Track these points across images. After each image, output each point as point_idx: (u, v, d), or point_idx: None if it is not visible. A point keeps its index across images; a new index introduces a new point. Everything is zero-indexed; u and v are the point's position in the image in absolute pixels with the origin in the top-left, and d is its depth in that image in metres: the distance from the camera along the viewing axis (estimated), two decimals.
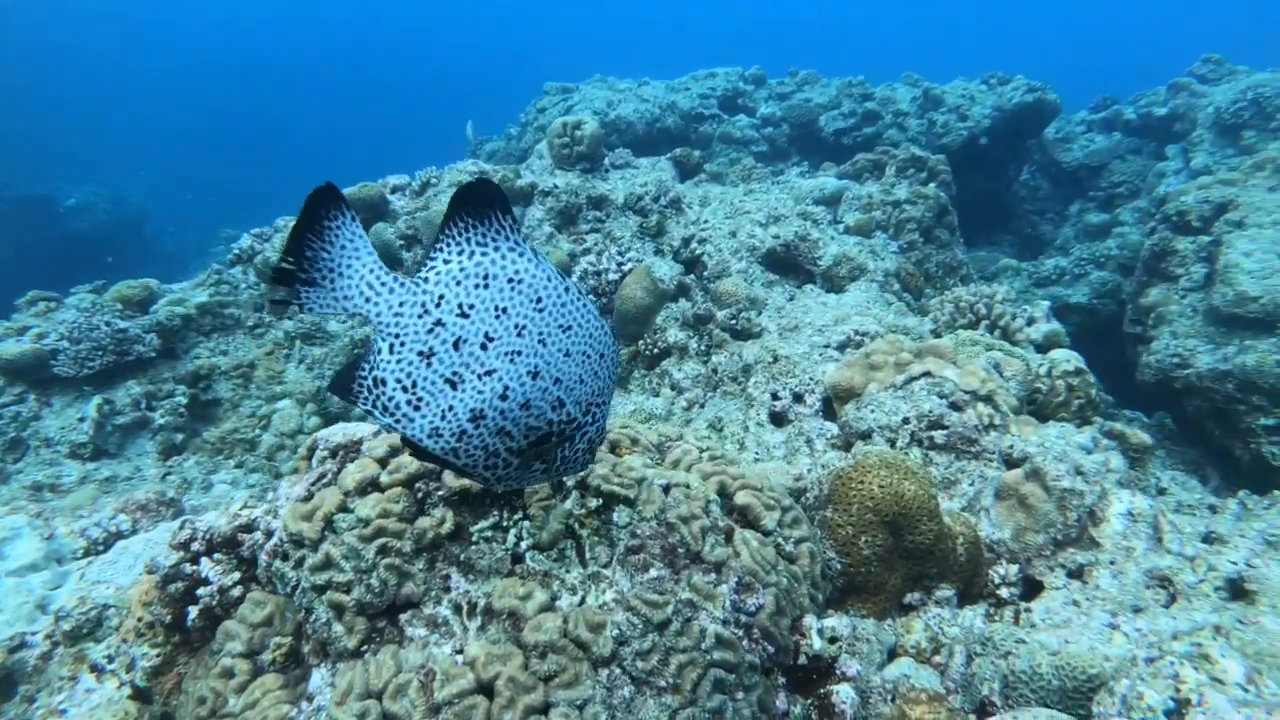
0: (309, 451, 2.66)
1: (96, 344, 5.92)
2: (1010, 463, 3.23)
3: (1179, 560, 2.68)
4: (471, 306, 1.51)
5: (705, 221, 6.92)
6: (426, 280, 1.51)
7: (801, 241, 6.43)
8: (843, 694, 2.24)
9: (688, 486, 2.26)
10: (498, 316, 1.52)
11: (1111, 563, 2.68)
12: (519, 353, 1.54)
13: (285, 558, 2.24)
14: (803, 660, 2.30)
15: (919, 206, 7.40)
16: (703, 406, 4.84)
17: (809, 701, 2.27)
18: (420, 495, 2.21)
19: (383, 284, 1.50)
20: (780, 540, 2.40)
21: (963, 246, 8.23)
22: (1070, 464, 2.80)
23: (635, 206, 7.17)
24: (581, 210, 7.08)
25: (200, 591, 2.41)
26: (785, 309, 5.85)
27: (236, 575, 2.44)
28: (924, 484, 2.67)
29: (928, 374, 3.67)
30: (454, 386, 1.52)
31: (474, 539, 2.14)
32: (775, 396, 4.26)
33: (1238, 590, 2.78)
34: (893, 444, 3.44)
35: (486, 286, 1.51)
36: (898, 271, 6.58)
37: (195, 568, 2.46)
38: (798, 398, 4.19)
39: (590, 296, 1.69)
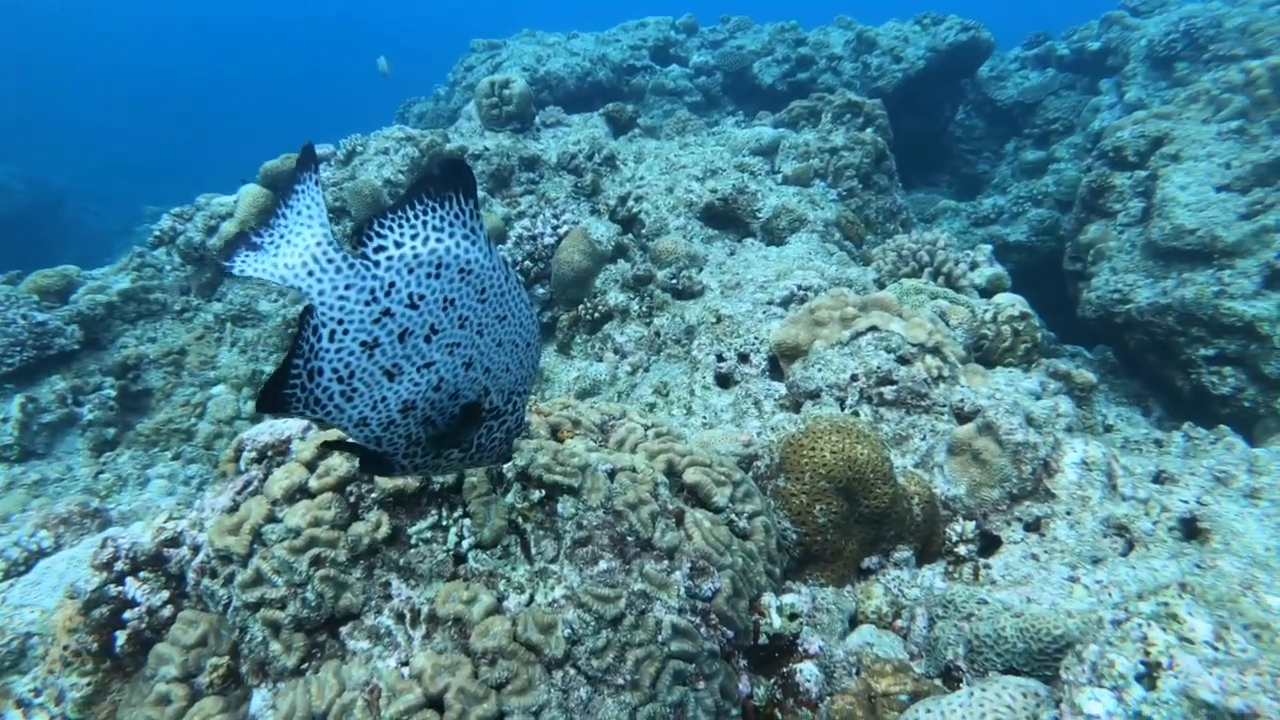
0: (235, 453, 2.45)
1: (14, 339, 5.54)
2: (961, 417, 3.16)
3: (1134, 506, 2.64)
4: (421, 298, 1.40)
5: (641, 178, 6.71)
6: (378, 264, 1.36)
7: (740, 194, 6.26)
8: (806, 672, 2.15)
9: (634, 470, 2.11)
10: (444, 308, 1.43)
11: (1068, 513, 2.62)
12: (458, 344, 1.46)
13: (214, 575, 2.05)
14: (763, 640, 2.19)
15: (856, 153, 7.28)
16: (647, 370, 4.69)
17: (772, 682, 2.17)
18: (353, 499, 2.03)
19: (329, 260, 1.34)
20: (733, 517, 2.27)
21: (901, 191, 8.16)
22: (1022, 416, 2.73)
23: (569, 166, 6.92)
24: (514, 172, 6.80)
25: (127, 614, 2.21)
26: (726, 264, 5.71)
27: (165, 594, 2.24)
28: (876, 446, 2.57)
29: (874, 328, 3.57)
30: (391, 378, 1.41)
31: (413, 541, 1.98)
32: (720, 358, 4.13)
33: (1191, 529, 2.75)
34: (842, 403, 3.34)
35: (438, 276, 1.40)
36: (838, 220, 6.47)
37: (120, 589, 2.26)
38: (743, 358, 4.07)
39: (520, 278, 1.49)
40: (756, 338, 4.12)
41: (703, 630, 2.00)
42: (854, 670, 2.22)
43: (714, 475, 2.30)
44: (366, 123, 11.64)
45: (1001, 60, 11.69)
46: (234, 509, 2.12)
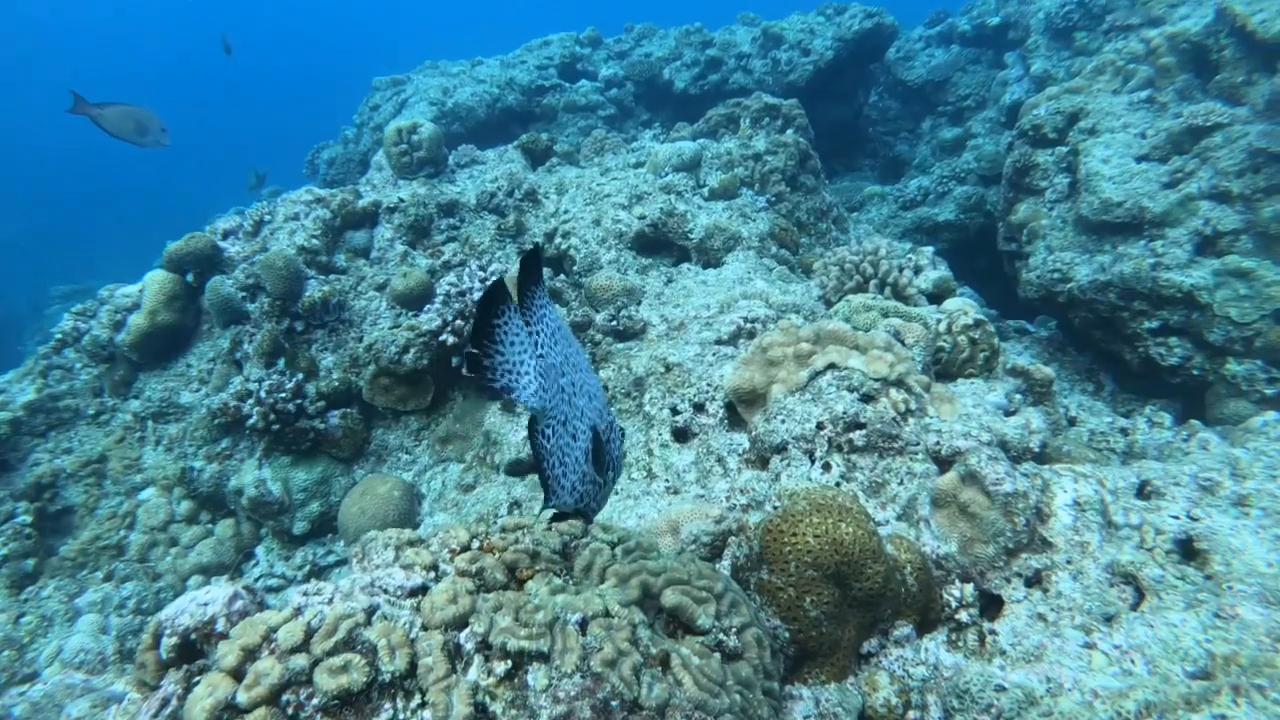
0: (154, 639, 2.12)
1: None
2: (939, 460, 3.00)
3: (1133, 542, 2.50)
4: (564, 360, 1.58)
5: (566, 212, 6.46)
6: (544, 357, 1.53)
7: (669, 217, 6.06)
8: None
9: (607, 614, 1.88)
10: (568, 361, 1.59)
11: (1069, 562, 2.47)
12: (582, 386, 1.62)
13: None
14: None
15: (780, 156, 7.14)
16: None
17: None
18: (291, 710, 1.74)
19: (542, 370, 1.53)
20: (721, 637, 2.05)
21: (829, 187, 8.07)
22: (1006, 463, 2.57)
23: (489, 206, 6.63)
24: (433, 220, 6.49)
25: None
26: (665, 294, 5.50)
27: None
28: (861, 521, 2.38)
29: (833, 366, 3.40)
30: (575, 438, 1.59)
31: None
32: (675, 410, 3.91)
33: (1188, 550, 2.64)
34: (811, 456, 3.15)
35: (557, 341, 1.57)
36: (771, 230, 6.31)
37: None
38: (699, 407, 3.86)
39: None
40: (710, 384, 3.92)
41: None
42: None
43: (694, 593, 2.08)
44: (277, 177, 11.15)
45: (907, 41, 11.74)
46: None
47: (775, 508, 2.48)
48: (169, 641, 2.02)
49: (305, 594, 1.87)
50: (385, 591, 1.89)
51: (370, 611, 1.80)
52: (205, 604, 2.02)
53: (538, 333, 1.53)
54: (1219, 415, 4.99)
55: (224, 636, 1.84)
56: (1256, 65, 5.56)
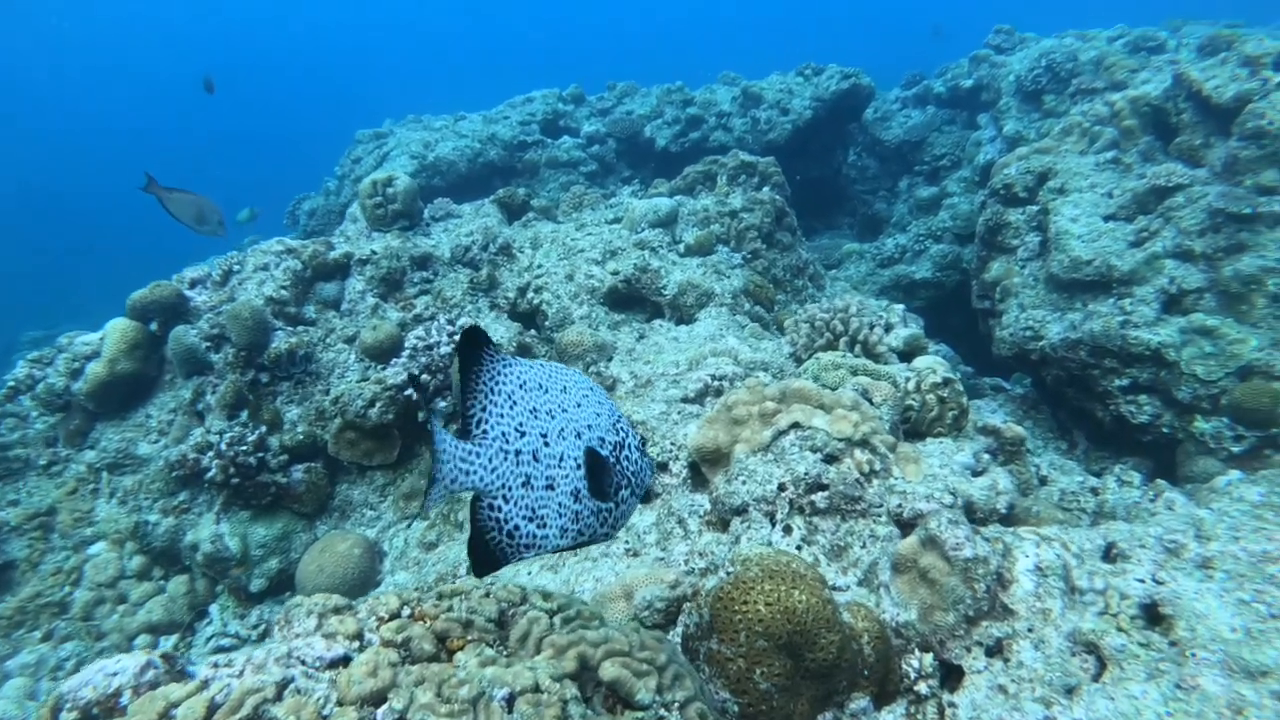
0: (51, 714, 2.00)
1: None
2: (901, 524, 2.93)
3: (1096, 608, 2.42)
4: (521, 424, 1.70)
5: (539, 266, 6.45)
6: (486, 434, 1.68)
7: (642, 273, 6.05)
8: None
9: (537, 689, 1.78)
10: (536, 415, 1.72)
11: (1030, 630, 2.39)
12: (562, 430, 1.74)
13: None
14: None
15: (756, 213, 7.19)
16: None
17: None
18: None
19: (472, 453, 1.66)
20: (663, 713, 1.95)
21: (805, 245, 8.12)
22: (967, 527, 2.51)
23: (464, 259, 6.61)
24: (406, 273, 6.45)
25: None
26: (636, 350, 5.46)
27: None
28: (815, 588, 2.30)
29: (796, 425, 3.34)
30: (552, 488, 1.70)
31: None
32: None
33: (1153, 615, 2.57)
34: (771, 518, 3.07)
35: (515, 403, 1.71)
36: (746, 287, 6.32)
37: None
38: (662, 467, 3.79)
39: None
40: (674, 443, 3.85)
41: None
42: None
43: (635, 666, 1.98)
44: (257, 226, 11.13)
45: (884, 102, 11.97)
46: None
47: (728, 574, 2.40)
48: (67, 717, 1.90)
49: (215, 665, 1.76)
50: (303, 662, 1.78)
51: (283, 685, 1.69)
52: (114, 674, 1.91)
53: (475, 411, 1.67)
54: (1189, 473, 4.96)
55: (123, 713, 1.73)
56: (1213, 129, 5.67)
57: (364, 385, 5.35)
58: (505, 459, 1.67)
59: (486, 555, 1.64)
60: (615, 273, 6.03)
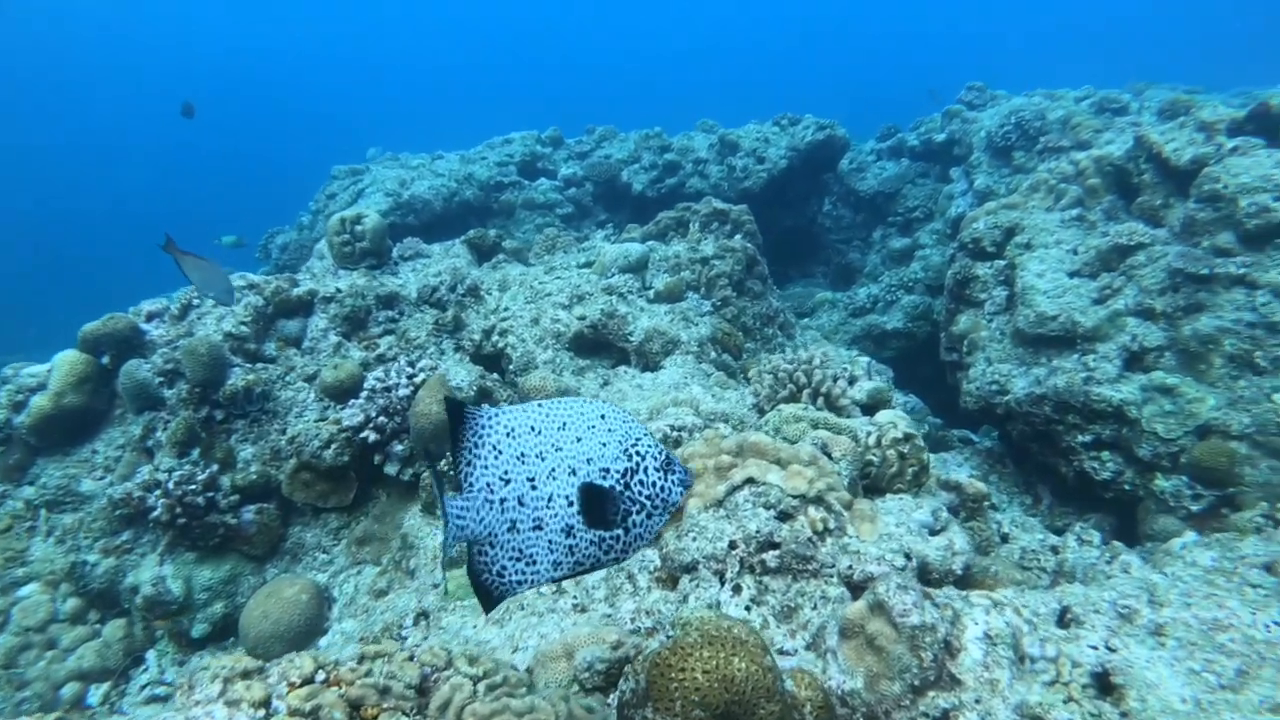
0: None
1: None
2: (852, 586, 2.87)
3: (1046, 684, 2.36)
4: (506, 473, 1.77)
5: (506, 309, 6.40)
6: (473, 486, 1.78)
7: (609, 319, 6.02)
8: None
9: None
10: (523, 460, 1.77)
11: (977, 701, 2.32)
12: (553, 470, 1.77)
13: None
14: None
15: (728, 260, 7.20)
16: None
17: None
18: None
19: (463, 507, 1.77)
20: None
21: (776, 293, 8.14)
22: (916, 592, 2.44)
23: (431, 300, 6.55)
24: (371, 312, 6.37)
25: None
26: (600, 396, 5.40)
27: None
28: (756, 656, 2.22)
29: (751, 480, 3.28)
30: (540, 528, 1.78)
31: None
32: None
33: (1104, 685, 2.52)
34: (721, 576, 2.99)
35: (500, 453, 1.78)
36: (714, 335, 6.29)
37: None
38: None
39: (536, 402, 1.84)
40: None
41: None
42: None
43: None
44: (230, 259, 11.02)
45: (859, 153, 12.15)
46: None
47: (668, 637, 2.31)
48: None
49: None
50: None
51: None
52: None
53: (463, 467, 1.78)
54: (1150, 531, 4.94)
55: None
56: (1172, 190, 5.77)
57: (321, 425, 5.24)
58: (490, 508, 1.77)
59: (485, 593, 1.79)
60: (582, 318, 5.99)
